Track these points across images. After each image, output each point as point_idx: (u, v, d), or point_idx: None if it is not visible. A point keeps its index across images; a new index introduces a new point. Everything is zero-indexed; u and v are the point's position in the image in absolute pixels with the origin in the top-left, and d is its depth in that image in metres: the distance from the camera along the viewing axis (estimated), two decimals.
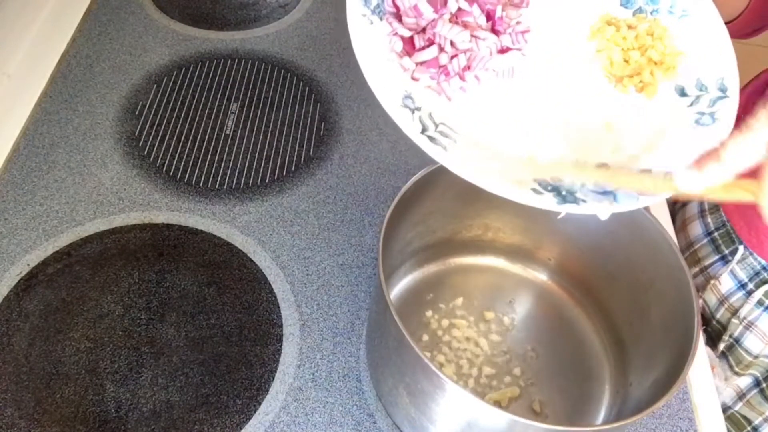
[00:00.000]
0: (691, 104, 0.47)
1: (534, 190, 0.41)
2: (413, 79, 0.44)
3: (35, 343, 0.59)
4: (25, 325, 0.60)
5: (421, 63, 0.45)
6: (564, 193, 0.41)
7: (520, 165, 0.43)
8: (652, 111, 0.47)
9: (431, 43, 0.45)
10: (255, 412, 0.56)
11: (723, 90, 0.46)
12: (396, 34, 0.45)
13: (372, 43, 0.44)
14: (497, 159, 0.43)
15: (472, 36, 0.46)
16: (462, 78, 0.45)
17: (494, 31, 0.47)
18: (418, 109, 0.43)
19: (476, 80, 0.46)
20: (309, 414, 0.57)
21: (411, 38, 0.45)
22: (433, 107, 0.44)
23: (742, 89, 0.76)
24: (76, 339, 0.59)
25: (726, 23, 0.64)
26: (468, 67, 0.45)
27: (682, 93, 0.48)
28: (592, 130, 0.46)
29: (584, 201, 0.41)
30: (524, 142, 0.45)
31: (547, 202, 0.40)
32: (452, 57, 0.45)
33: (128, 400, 0.56)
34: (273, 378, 0.58)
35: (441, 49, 0.45)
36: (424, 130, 0.41)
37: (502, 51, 0.47)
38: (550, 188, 0.41)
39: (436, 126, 0.42)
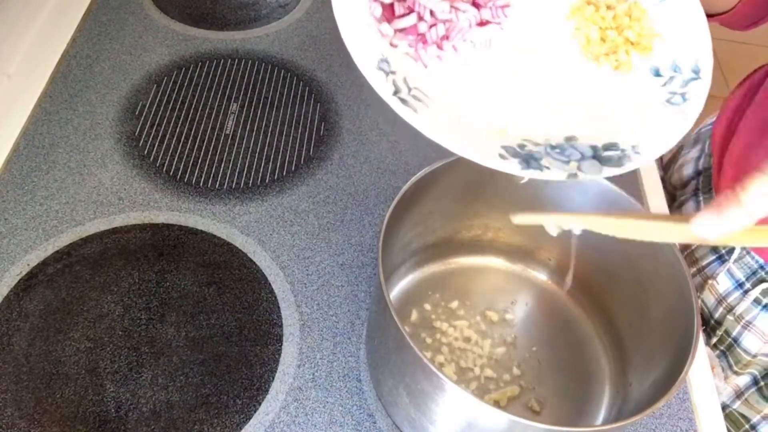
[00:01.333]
0: (665, 84, 0.47)
1: (500, 155, 0.41)
2: (392, 45, 0.45)
3: (35, 343, 0.59)
4: (25, 325, 0.60)
5: (400, 30, 0.45)
6: (528, 159, 0.42)
7: (491, 134, 0.43)
8: (625, 88, 0.48)
9: (411, 11, 0.45)
10: (255, 412, 0.56)
11: (696, 72, 0.47)
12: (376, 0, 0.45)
13: (352, 7, 0.44)
14: (468, 126, 0.43)
15: (452, 7, 0.46)
16: (440, 47, 0.46)
17: (475, 4, 0.47)
18: (393, 72, 0.43)
19: (453, 50, 0.46)
20: (309, 414, 0.57)
21: (391, 5, 0.45)
22: (409, 72, 0.44)
23: (737, 87, 0.76)
24: (76, 339, 0.59)
25: (720, 15, 0.63)
26: (446, 37, 0.46)
27: (657, 73, 0.48)
28: (564, 104, 0.47)
29: (548, 168, 0.41)
30: (497, 113, 0.45)
31: (512, 167, 0.41)
32: (431, 26, 0.45)
33: (128, 400, 0.56)
34: (273, 378, 0.58)
35: (420, 18, 0.45)
36: (396, 92, 0.42)
37: (482, 24, 0.47)
38: (515, 154, 0.42)
39: (410, 90, 0.43)
